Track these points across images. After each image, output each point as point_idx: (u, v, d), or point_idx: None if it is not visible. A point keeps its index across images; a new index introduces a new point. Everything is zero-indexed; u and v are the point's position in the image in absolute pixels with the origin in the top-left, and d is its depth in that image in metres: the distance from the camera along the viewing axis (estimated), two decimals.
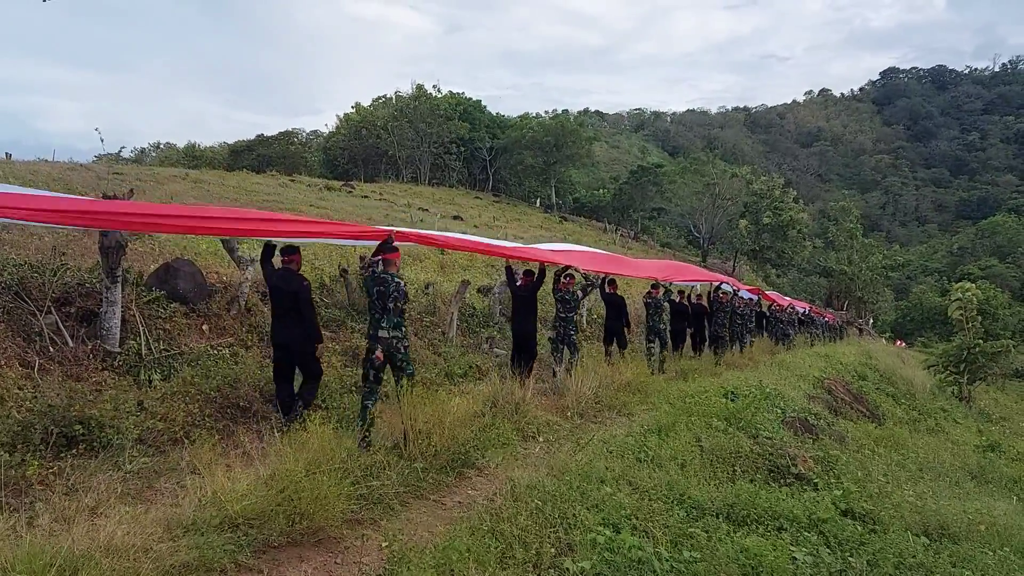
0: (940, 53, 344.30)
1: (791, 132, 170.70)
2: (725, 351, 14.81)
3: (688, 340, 14.57)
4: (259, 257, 6.70)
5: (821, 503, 5.18)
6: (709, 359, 13.77)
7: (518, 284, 9.67)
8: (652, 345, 12.24)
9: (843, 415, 10.97)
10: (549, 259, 9.81)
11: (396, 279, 6.06)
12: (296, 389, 6.44)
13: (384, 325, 5.98)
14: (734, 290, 16.98)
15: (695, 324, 14.59)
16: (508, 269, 10.20)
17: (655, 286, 12.70)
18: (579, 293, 10.07)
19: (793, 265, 56.76)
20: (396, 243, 6.53)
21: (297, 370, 6.49)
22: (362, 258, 10.55)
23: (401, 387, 6.04)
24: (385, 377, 6.30)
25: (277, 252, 6.66)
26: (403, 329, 6.19)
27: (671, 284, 13.63)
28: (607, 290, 12.12)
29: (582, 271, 10.29)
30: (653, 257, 38.06)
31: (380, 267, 6.23)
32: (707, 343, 14.77)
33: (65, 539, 3.32)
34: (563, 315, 9.73)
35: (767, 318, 21.31)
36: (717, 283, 16.07)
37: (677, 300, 13.88)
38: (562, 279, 9.74)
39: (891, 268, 64.01)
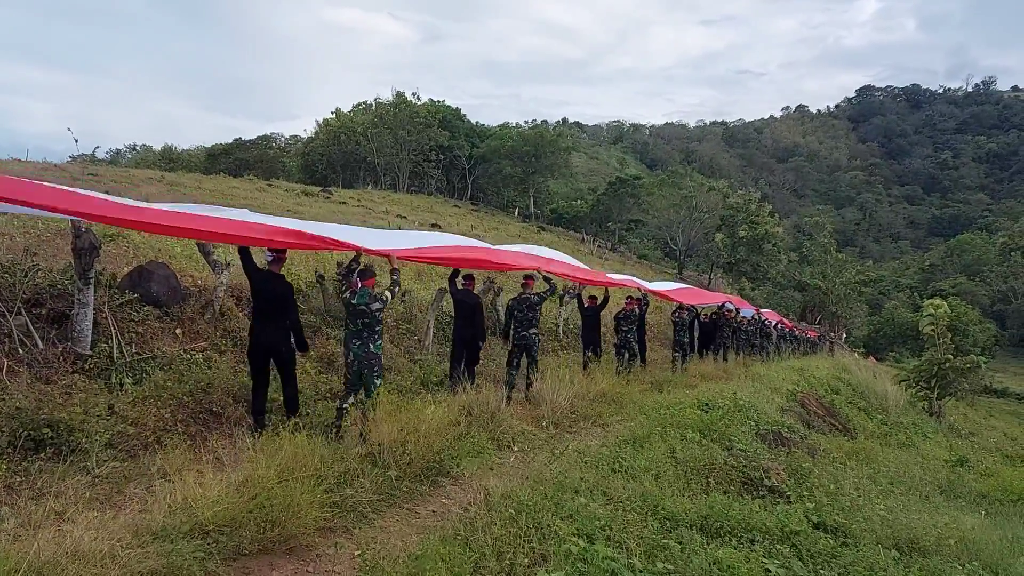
0: (913, 72, 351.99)
1: (768, 147, 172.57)
2: (734, 357, 17.23)
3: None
4: (448, 276, 9.20)
5: (793, 515, 5.19)
6: (695, 369, 14.14)
7: (585, 306, 11.92)
8: (676, 355, 14.47)
9: (816, 428, 11.04)
10: (614, 283, 12.40)
11: (534, 296, 9.22)
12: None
13: (527, 328, 9.17)
14: (737, 309, 19.16)
15: (704, 336, 16.92)
16: (578, 296, 12.26)
17: (681, 308, 14.83)
18: (637, 310, 12.54)
19: (768, 279, 57.05)
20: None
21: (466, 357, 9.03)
22: (339, 264, 10.48)
23: (533, 371, 9.28)
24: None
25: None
26: (537, 327, 9.33)
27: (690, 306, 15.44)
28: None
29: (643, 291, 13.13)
30: (630, 268, 38.33)
31: (524, 291, 9.33)
32: (714, 351, 16.51)
33: (31, 544, 3.25)
34: (625, 328, 12.16)
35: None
36: (721, 303, 18.30)
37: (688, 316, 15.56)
38: (625, 301, 12.58)
39: (864, 283, 64.40)
